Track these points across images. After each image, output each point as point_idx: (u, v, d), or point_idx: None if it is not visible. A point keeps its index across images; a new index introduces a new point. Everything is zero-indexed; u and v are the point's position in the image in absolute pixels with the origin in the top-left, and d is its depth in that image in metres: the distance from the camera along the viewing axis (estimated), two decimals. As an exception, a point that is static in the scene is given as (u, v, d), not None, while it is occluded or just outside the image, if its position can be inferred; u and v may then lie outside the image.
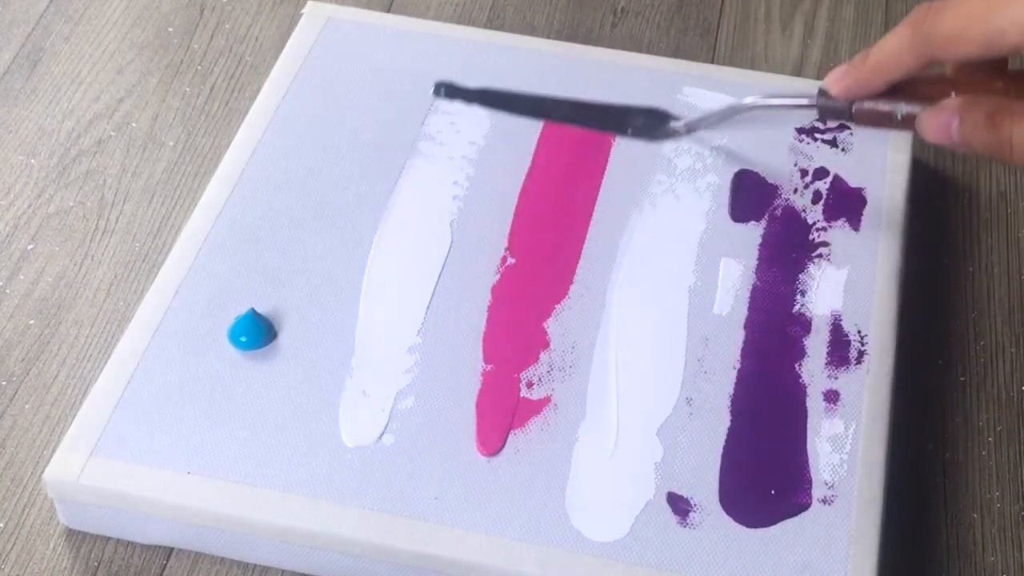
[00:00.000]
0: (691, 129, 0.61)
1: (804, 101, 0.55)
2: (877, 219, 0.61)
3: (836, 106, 0.53)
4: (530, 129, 0.65)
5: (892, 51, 0.50)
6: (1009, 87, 0.50)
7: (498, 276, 0.59)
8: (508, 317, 0.57)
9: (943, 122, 0.50)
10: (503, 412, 0.54)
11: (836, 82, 0.53)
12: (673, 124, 0.62)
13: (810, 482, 0.52)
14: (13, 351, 0.59)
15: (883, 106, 0.52)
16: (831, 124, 0.55)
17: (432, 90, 0.64)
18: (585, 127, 0.64)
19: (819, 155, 0.64)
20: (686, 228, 0.61)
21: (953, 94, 0.50)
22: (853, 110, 0.53)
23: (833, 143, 0.64)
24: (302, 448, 0.53)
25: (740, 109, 0.58)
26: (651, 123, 0.63)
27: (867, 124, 0.53)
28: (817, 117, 0.55)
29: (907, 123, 0.52)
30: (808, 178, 0.63)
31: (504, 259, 0.59)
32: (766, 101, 0.57)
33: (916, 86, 0.51)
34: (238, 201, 0.61)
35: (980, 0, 0.47)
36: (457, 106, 0.65)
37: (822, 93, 0.53)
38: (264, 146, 0.63)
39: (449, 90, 0.65)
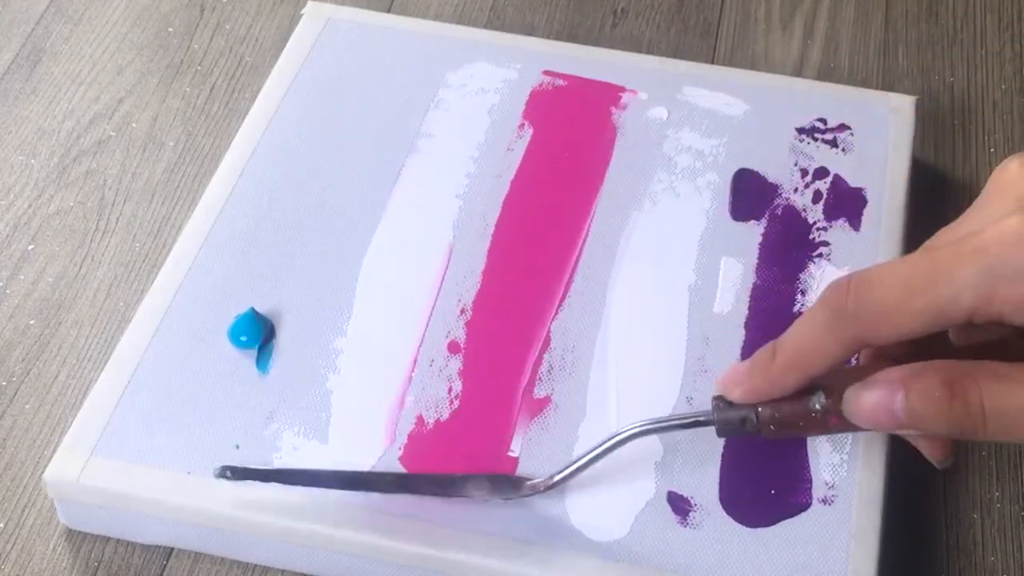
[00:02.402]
0: (553, 484, 0.50)
1: (696, 419, 0.46)
2: (877, 219, 0.61)
3: (737, 416, 0.44)
4: (530, 128, 0.65)
5: (809, 341, 0.41)
6: (945, 351, 0.42)
7: (499, 275, 0.59)
8: (508, 316, 0.57)
9: (882, 401, 0.41)
10: (503, 412, 0.54)
11: (737, 385, 0.44)
12: (529, 483, 0.51)
13: (810, 482, 0.52)
14: (13, 351, 0.59)
15: (795, 404, 0.43)
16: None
17: (216, 474, 0.50)
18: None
19: (819, 155, 0.64)
20: (686, 226, 0.61)
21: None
22: (759, 414, 0.44)
23: (833, 143, 0.64)
24: (302, 448, 0.53)
25: (619, 443, 0.49)
26: (503, 489, 0.51)
27: (780, 431, 0.44)
28: (717, 434, 0.46)
29: (831, 416, 0.43)
30: (808, 178, 0.63)
31: (505, 258, 0.59)
32: (648, 427, 0.48)
33: (831, 376, 0.43)
34: (238, 201, 0.61)
35: (918, 265, 0.40)
36: (457, 104, 0.66)
37: (718, 399, 0.45)
38: (264, 146, 0.63)
39: (237, 474, 0.50)
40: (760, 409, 0.43)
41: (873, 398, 0.41)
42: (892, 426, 0.41)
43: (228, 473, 0.50)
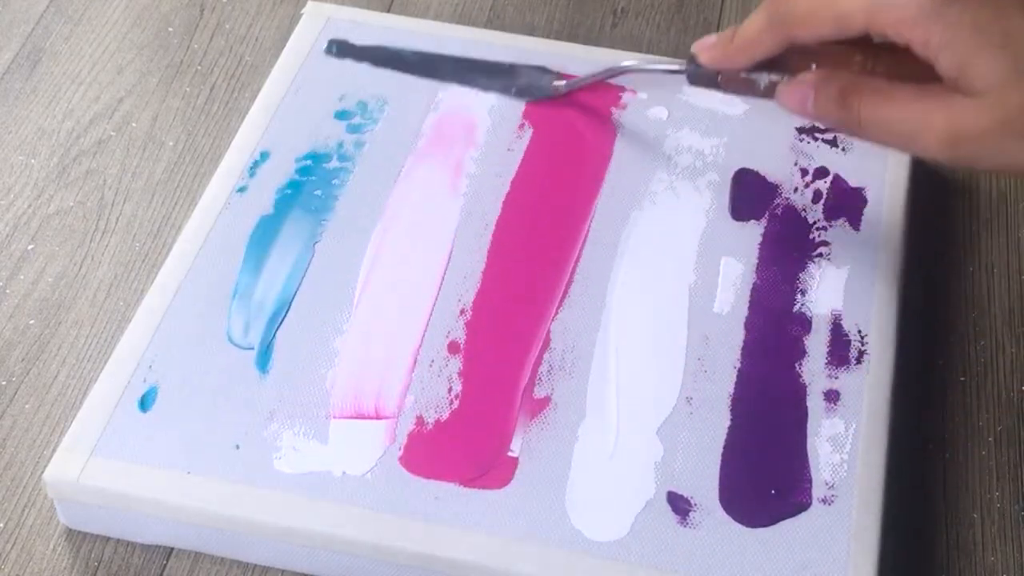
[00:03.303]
0: (571, 88, 0.65)
1: (676, 67, 0.58)
2: (877, 219, 0.61)
3: (704, 73, 0.56)
4: (530, 128, 0.65)
5: (753, 32, 0.52)
6: (867, 60, 0.51)
7: (499, 275, 0.59)
8: (508, 316, 0.57)
9: (800, 95, 0.52)
10: (503, 413, 0.54)
11: (705, 51, 0.55)
12: (555, 83, 0.65)
13: (810, 482, 0.52)
14: (13, 351, 0.59)
15: (747, 76, 0.55)
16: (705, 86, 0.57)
17: (324, 48, 0.67)
18: (473, 86, 0.66)
19: (819, 155, 0.64)
20: (686, 226, 0.61)
21: (813, 66, 0.52)
22: (720, 78, 0.56)
23: (833, 143, 0.64)
24: (302, 448, 0.53)
25: (617, 71, 0.63)
26: (534, 81, 0.66)
27: (732, 91, 0.56)
28: (688, 82, 0.57)
29: (769, 92, 0.54)
30: (808, 177, 0.63)
31: (505, 258, 0.59)
32: (641, 66, 0.63)
33: (782, 56, 0.54)
34: (238, 201, 0.61)
35: None
36: (457, 105, 0.66)
37: (692, 59, 0.56)
38: (264, 146, 0.63)
39: (341, 48, 0.67)
40: (721, 76, 0.55)
41: (795, 93, 0.52)
42: (806, 116, 0.52)
43: (334, 48, 0.67)
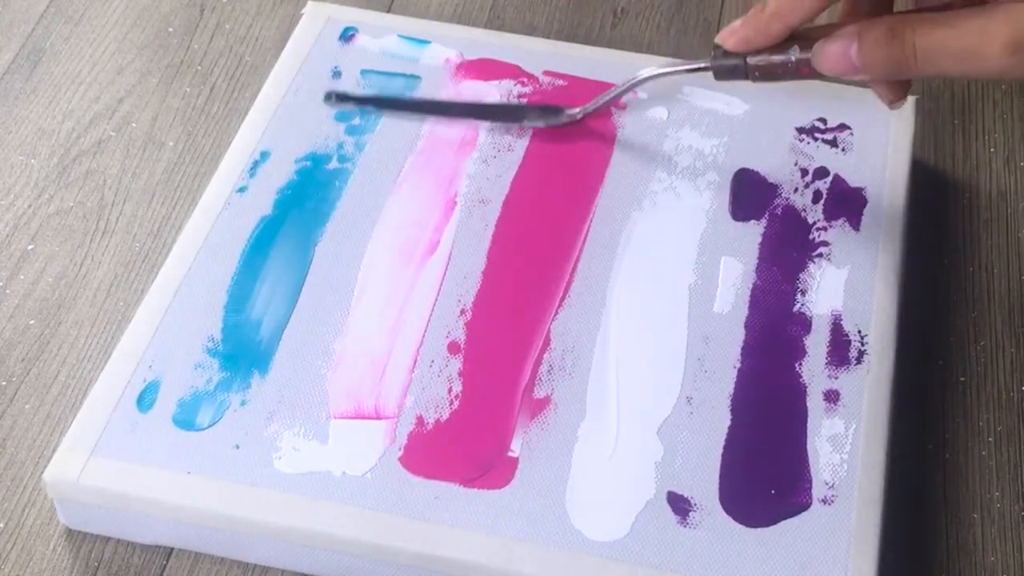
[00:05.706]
0: (588, 112, 0.63)
1: (700, 64, 0.56)
2: (877, 219, 0.61)
3: (730, 63, 0.54)
4: (530, 128, 0.65)
5: None
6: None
7: (499, 275, 0.59)
8: (508, 316, 0.57)
9: (841, 49, 0.50)
10: (503, 413, 0.54)
11: (732, 35, 0.53)
12: (569, 111, 0.64)
13: (810, 482, 0.52)
14: (13, 351, 0.59)
15: (776, 55, 0.53)
16: (727, 82, 0.56)
17: (323, 98, 0.64)
18: (485, 120, 0.64)
19: (819, 155, 0.64)
20: (686, 226, 0.61)
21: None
22: (748, 63, 0.54)
23: (833, 143, 0.64)
24: (302, 448, 0.53)
25: (637, 82, 0.61)
26: (546, 115, 0.64)
27: (763, 77, 0.54)
28: (714, 77, 0.56)
29: (803, 67, 0.53)
30: (808, 177, 0.63)
31: (505, 258, 0.59)
32: (660, 71, 0.60)
33: (807, 34, 0.53)
34: (238, 201, 0.61)
35: None
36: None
37: (716, 49, 0.54)
38: (264, 146, 0.63)
39: (340, 97, 0.64)
40: (749, 58, 0.54)
41: (835, 48, 0.50)
42: (849, 71, 0.50)
43: (333, 97, 0.64)
